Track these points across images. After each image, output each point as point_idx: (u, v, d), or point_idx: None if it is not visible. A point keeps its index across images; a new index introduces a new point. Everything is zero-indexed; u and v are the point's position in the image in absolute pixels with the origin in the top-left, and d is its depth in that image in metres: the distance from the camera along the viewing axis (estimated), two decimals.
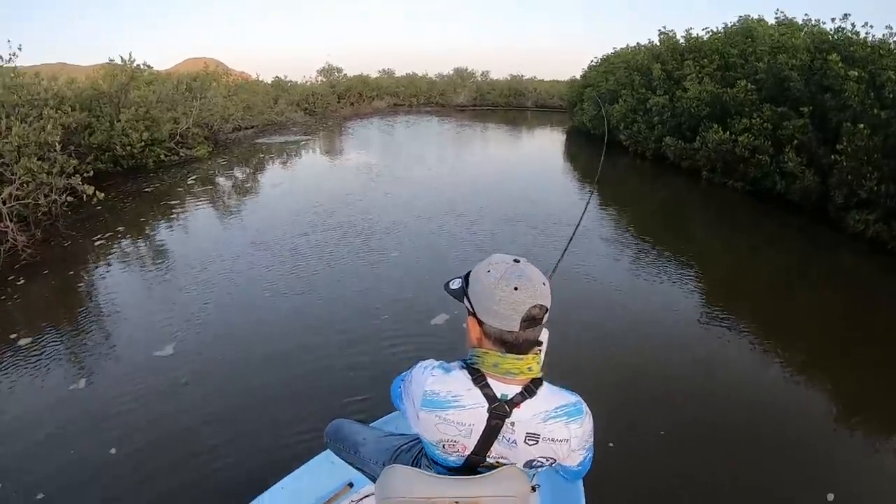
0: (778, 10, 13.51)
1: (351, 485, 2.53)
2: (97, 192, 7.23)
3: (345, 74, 32.11)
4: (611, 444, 3.39)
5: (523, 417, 1.37)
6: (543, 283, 1.35)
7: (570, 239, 2.59)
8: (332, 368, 4.28)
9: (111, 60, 11.77)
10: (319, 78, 31.25)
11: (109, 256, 6.83)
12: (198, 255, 6.76)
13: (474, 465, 1.46)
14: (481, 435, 1.39)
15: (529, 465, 1.44)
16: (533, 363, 1.39)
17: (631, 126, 15.03)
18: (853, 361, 4.76)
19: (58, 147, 7.38)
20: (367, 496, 2.44)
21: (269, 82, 26.32)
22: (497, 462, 1.44)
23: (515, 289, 1.30)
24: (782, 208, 9.40)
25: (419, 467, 1.57)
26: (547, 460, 1.43)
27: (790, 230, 8.72)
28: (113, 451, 3.29)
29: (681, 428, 3.67)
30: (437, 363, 1.47)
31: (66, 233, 7.26)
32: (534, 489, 1.86)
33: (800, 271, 7.15)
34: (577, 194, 11.07)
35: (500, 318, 1.32)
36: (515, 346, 1.36)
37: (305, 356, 4.43)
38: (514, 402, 1.36)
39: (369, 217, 8.46)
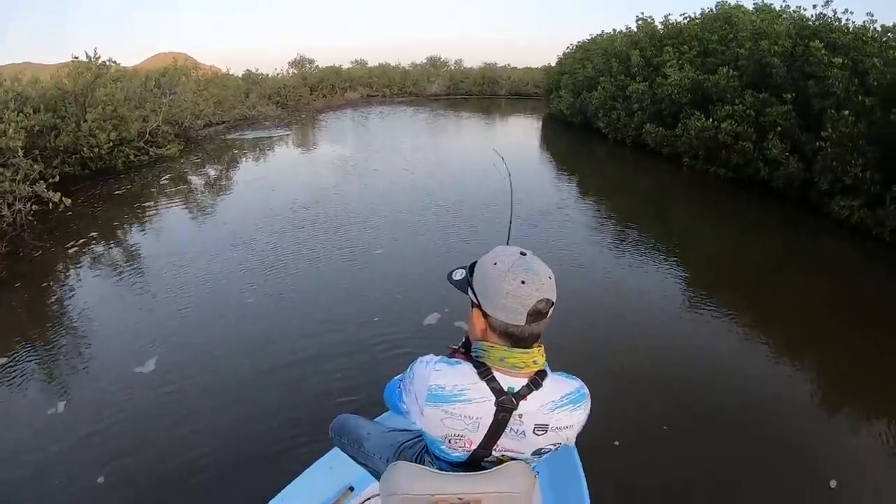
0: None
1: (352, 489, 2.48)
2: (63, 199, 6.87)
3: (317, 66, 31.70)
4: (616, 443, 3.34)
5: (531, 409, 1.37)
6: (549, 277, 1.35)
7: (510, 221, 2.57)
8: (319, 372, 4.12)
9: (75, 58, 11.27)
10: (291, 70, 30.81)
11: (82, 265, 6.51)
12: (174, 259, 6.48)
13: (479, 459, 1.46)
14: (488, 429, 1.38)
15: (537, 453, 1.44)
16: (538, 356, 1.39)
17: (610, 113, 14.99)
18: (842, 346, 4.77)
19: (20, 152, 7.00)
20: (368, 499, 2.41)
21: (240, 76, 25.81)
22: (502, 456, 1.44)
23: (523, 282, 1.30)
24: (765, 195, 9.39)
25: (422, 463, 1.59)
26: (554, 446, 1.45)
27: (774, 216, 8.71)
28: (101, 479, 3.08)
29: (679, 419, 3.62)
30: (438, 357, 1.44)
31: (33, 243, 6.87)
32: None
33: (785, 257, 7.13)
34: (557, 185, 10.95)
35: (506, 312, 1.32)
36: (521, 339, 1.35)
37: (292, 361, 4.26)
38: (520, 395, 1.36)
39: (348, 212, 8.27)
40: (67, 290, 5.87)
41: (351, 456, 2.07)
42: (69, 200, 6.99)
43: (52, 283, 6.02)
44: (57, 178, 7.46)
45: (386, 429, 2.04)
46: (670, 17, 15.27)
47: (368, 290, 5.56)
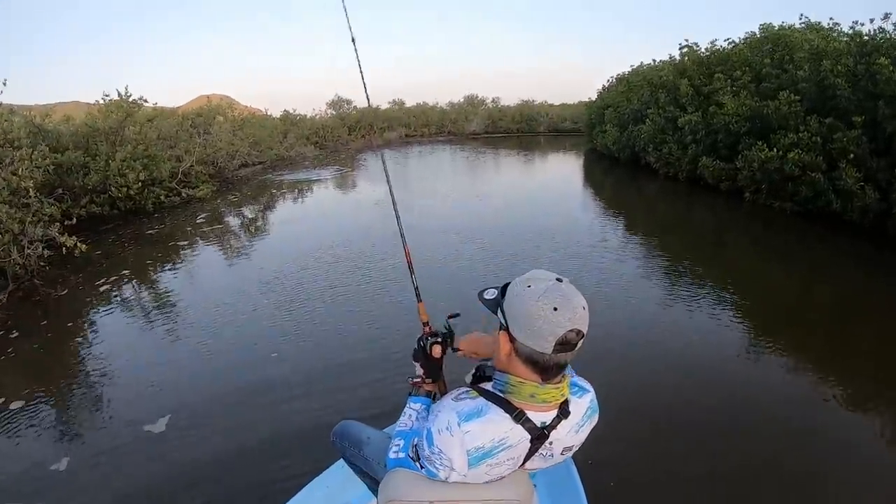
0: (802, 14, 13.02)
1: None
2: (80, 244, 6.41)
3: (355, 106, 31.93)
4: None
5: (560, 435, 1.39)
6: (583, 308, 1.27)
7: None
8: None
9: (107, 96, 11.04)
10: (329, 110, 31.12)
11: (102, 311, 6.07)
12: (198, 307, 6.03)
13: None
14: (523, 460, 1.39)
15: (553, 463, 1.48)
16: (565, 388, 1.37)
17: (661, 147, 14.15)
18: None
19: (32, 193, 6.56)
20: None
21: (278, 116, 25.91)
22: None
23: (555, 309, 1.24)
24: (837, 229, 8.47)
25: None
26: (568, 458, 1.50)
27: (847, 254, 7.79)
28: None
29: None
30: (454, 414, 1.34)
31: (45, 290, 6.40)
32: None
33: (859, 300, 6.18)
34: (606, 221, 10.23)
35: (534, 338, 1.26)
36: (546, 368, 1.29)
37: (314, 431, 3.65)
38: (552, 427, 1.36)
39: (385, 258, 7.66)
40: (83, 338, 5.44)
41: (350, 461, 2.02)
42: (85, 246, 6.54)
43: (67, 331, 5.60)
44: (74, 221, 7.04)
45: (387, 436, 1.93)
46: (717, 43, 14.65)
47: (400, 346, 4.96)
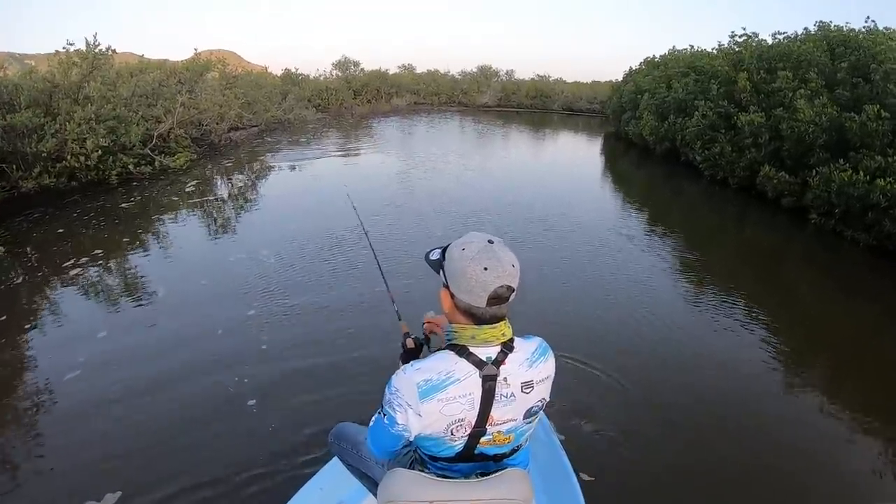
0: (868, 17, 11.96)
1: None
2: None
3: (362, 69, 30.24)
4: None
5: (512, 370, 1.46)
6: (513, 265, 1.41)
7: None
8: None
9: (70, 44, 9.25)
10: (334, 72, 29.34)
11: (46, 319, 4.84)
12: (162, 325, 4.77)
13: (475, 444, 1.49)
14: (480, 402, 1.43)
15: (528, 414, 1.52)
16: (505, 329, 1.47)
17: (710, 146, 12.44)
18: None
19: None
20: None
21: (279, 75, 24.13)
22: (497, 432, 1.49)
23: (485, 269, 1.37)
24: None
25: (415, 468, 1.60)
26: (541, 402, 1.55)
27: None
28: None
29: None
30: (410, 363, 1.48)
31: None
32: None
33: None
34: (638, 223, 8.88)
35: (469, 294, 1.39)
36: (482, 320, 1.43)
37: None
38: (499, 361, 1.44)
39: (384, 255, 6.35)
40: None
41: (347, 463, 2.06)
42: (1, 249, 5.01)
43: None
44: None
45: None
46: (762, 36, 13.37)
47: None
